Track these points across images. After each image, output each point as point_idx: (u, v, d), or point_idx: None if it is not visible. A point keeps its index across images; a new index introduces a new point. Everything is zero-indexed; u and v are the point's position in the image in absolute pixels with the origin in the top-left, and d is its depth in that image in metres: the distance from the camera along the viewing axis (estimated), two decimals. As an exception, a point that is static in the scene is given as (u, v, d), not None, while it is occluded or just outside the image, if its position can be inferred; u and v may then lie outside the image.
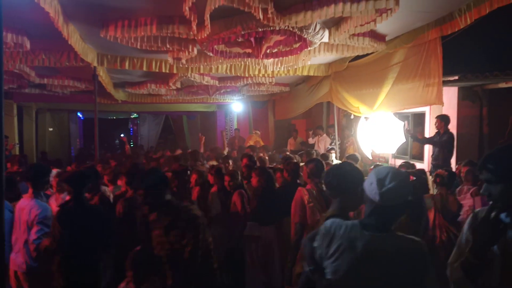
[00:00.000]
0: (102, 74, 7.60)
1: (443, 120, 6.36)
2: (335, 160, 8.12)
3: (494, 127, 6.70)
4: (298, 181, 4.91)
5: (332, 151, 8.79)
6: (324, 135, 10.75)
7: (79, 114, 16.52)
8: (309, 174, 3.99)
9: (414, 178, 4.53)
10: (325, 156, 7.43)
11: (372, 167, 5.96)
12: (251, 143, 11.08)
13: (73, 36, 5.10)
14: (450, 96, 6.87)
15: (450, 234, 4.17)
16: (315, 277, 2.12)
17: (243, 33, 4.79)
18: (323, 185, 3.49)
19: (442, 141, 6.26)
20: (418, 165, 7.20)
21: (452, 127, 6.55)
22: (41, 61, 6.29)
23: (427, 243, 4.04)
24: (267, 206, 4.61)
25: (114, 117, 19.27)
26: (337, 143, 9.48)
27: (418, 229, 3.99)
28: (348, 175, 2.60)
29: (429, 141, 6.63)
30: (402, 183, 1.90)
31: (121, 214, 4.06)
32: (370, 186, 1.94)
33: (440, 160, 6.31)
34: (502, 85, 6.16)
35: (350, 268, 1.91)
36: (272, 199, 4.64)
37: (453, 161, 6.49)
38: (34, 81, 8.23)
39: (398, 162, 7.83)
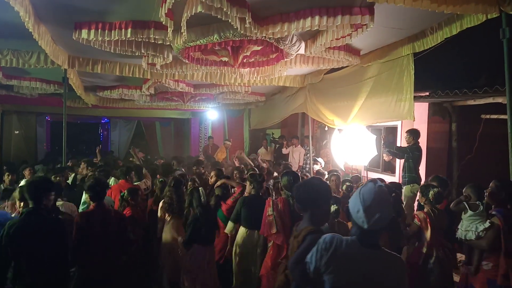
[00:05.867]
0: (73, 77, 7.39)
1: (412, 134, 6.51)
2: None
3: (462, 142, 6.90)
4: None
5: (318, 163, 8.85)
6: (299, 146, 10.79)
7: (47, 117, 16.01)
8: (282, 187, 3.98)
9: (394, 194, 4.61)
10: (321, 174, 7.48)
11: (352, 184, 6.01)
12: (220, 155, 11.12)
13: (44, 37, 4.94)
14: (421, 111, 7.04)
15: (445, 250, 4.22)
16: None
17: (220, 41, 4.77)
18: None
19: (408, 153, 6.43)
20: (390, 178, 7.33)
21: (422, 142, 6.71)
22: (9, 61, 6.06)
23: (422, 260, 4.12)
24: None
25: (84, 121, 18.76)
26: (311, 154, 9.55)
27: (399, 241, 4.09)
28: (317, 190, 2.60)
29: (399, 149, 6.77)
30: (387, 208, 2.02)
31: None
32: (356, 214, 2.02)
33: (406, 171, 6.46)
34: (471, 102, 6.36)
35: (351, 282, 2.02)
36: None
37: (422, 174, 6.64)
38: (0, 82, 7.91)
39: (370, 174, 7.95)
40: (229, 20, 3.94)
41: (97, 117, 16.86)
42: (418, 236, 4.29)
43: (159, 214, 5.15)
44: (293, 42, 5.05)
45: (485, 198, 3.98)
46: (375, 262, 2.02)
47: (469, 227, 3.98)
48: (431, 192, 4.31)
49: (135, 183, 6.15)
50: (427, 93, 6.14)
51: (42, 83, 8.32)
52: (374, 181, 2.10)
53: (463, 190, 4.30)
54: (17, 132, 14.15)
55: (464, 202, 4.12)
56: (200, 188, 4.64)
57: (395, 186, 5.12)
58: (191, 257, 4.41)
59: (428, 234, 4.18)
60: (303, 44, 5.34)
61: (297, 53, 5.56)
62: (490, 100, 5.79)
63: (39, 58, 6.08)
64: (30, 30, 4.24)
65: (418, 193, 4.59)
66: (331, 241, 2.06)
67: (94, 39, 4.79)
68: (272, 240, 3.83)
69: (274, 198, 4.58)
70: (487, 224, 3.82)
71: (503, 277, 3.65)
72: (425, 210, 4.33)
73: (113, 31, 4.64)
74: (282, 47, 5.12)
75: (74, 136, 17.50)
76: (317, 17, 4.11)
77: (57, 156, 12.55)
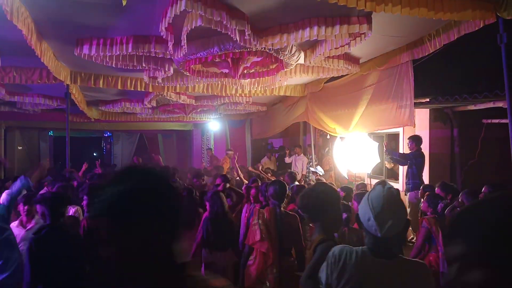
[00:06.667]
0: (75, 92, 7.45)
1: (414, 140, 6.52)
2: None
3: (464, 147, 6.90)
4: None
5: (316, 174, 8.80)
6: (302, 154, 10.77)
7: (50, 132, 16.09)
8: (270, 196, 3.94)
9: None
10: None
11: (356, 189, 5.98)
12: (225, 165, 11.06)
13: (46, 54, 5.01)
14: (422, 117, 7.06)
15: None
16: None
17: (220, 53, 4.82)
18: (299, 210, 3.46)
19: (411, 160, 6.43)
20: (394, 185, 7.30)
21: (425, 148, 6.71)
22: (12, 78, 6.12)
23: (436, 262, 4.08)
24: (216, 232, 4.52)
25: (87, 136, 18.83)
26: (314, 163, 9.54)
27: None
28: (323, 197, 2.49)
29: (402, 156, 6.77)
30: (400, 212, 1.87)
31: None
32: (368, 222, 1.86)
33: (410, 177, 6.45)
34: (471, 107, 6.37)
35: None
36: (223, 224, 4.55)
37: (426, 180, 6.62)
38: (4, 99, 7.99)
39: (374, 181, 7.92)
40: (229, 33, 4.00)
41: (99, 131, 16.91)
42: (429, 242, 4.25)
43: None
44: (292, 52, 5.10)
45: None
46: (390, 272, 1.84)
47: None
48: (441, 205, 4.28)
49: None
50: (427, 99, 6.16)
51: (45, 99, 8.40)
52: (382, 183, 1.94)
53: (459, 196, 4.31)
54: (20, 147, 14.22)
55: (458, 209, 4.12)
56: (220, 193, 4.68)
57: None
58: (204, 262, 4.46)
59: (440, 238, 4.14)
60: (302, 54, 5.39)
61: (296, 63, 5.60)
62: (490, 104, 5.80)
63: (41, 74, 6.15)
64: (32, 47, 4.30)
65: (423, 202, 4.57)
66: (340, 254, 1.92)
67: (96, 54, 4.85)
68: (257, 248, 3.78)
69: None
70: None
71: None
72: (431, 216, 4.30)
73: (114, 46, 4.70)
74: (281, 58, 5.17)
75: (77, 150, 17.54)
76: (315, 27, 4.16)
77: (59, 170, 12.57)
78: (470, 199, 4.12)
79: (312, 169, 9.30)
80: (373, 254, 1.88)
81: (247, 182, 6.65)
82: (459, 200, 4.26)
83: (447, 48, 5.12)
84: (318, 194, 2.53)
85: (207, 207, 4.76)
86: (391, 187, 1.92)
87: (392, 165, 8.11)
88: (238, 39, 4.10)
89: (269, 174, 8.60)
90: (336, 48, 4.98)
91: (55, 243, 3.22)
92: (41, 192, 4.87)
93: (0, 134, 11.97)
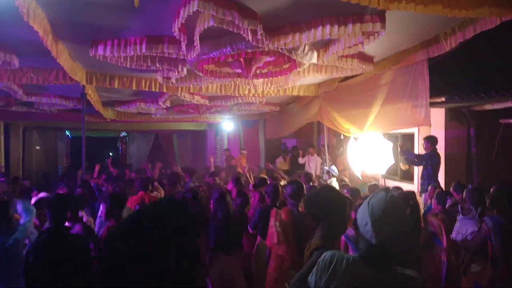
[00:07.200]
0: (91, 93, 7.56)
1: (429, 141, 6.43)
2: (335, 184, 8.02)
3: (481, 147, 6.76)
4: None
5: (330, 175, 8.71)
6: (315, 155, 10.70)
7: (67, 132, 16.36)
8: (288, 196, 3.93)
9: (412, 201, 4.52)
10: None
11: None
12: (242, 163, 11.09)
13: (62, 55, 5.08)
14: (438, 117, 6.94)
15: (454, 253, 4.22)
16: None
17: (232, 53, 4.82)
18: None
19: (427, 160, 6.35)
20: (409, 186, 7.21)
21: (440, 148, 6.60)
22: (29, 79, 6.24)
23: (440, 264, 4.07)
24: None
25: (103, 136, 19.08)
26: (328, 163, 9.47)
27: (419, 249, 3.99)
28: (328, 201, 2.43)
29: (417, 156, 6.68)
30: (400, 222, 1.80)
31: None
32: (364, 227, 1.80)
33: (425, 178, 6.37)
34: (488, 106, 6.24)
35: None
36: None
37: (441, 181, 6.52)
38: (21, 99, 8.16)
39: (388, 182, 7.84)
40: (241, 33, 4.00)
41: (115, 131, 17.13)
42: (431, 243, 4.21)
43: None
44: (305, 52, 5.07)
45: (487, 203, 3.96)
46: (379, 284, 1.77)
47: (460, 229, 3.99)
48: (449, 201, 4.25)
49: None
50: (443, 99, 6.06)
51: (61, 99, 8.55)
52: (386, 190, 1.86)
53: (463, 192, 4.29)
54: (38, 147, 14.49)
55: (459, 206, 4.11)
56: (227, 195, 4.68)
57: (412, 195, 5.06)
58: (214, 267, 4.45)
59: (444, 240, 4.11)
60: (315, 53, 5.36)
61: (309, 62, 5.57)
62: (508, 104, 5.68)
63: (58, 75, 6.25)
64: (48, 48, 4.38)
65: (434, 199, 4.53)
66: (331, 260, 1.87)
67: (110, 55, 4.91)
68: (274, 250, 3.78)
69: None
70: (475, 228, 3.83)
71: (489, 282, 3.71)
72: (439, 216, 4.26)
73: (128, 46, 4.75)
74: (294, 57, 5.14)
75: (94, 150, 17.78)
76: (328, 26, 4.13)
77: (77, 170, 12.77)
78: (472, 196, 4.10)
79: (326, 168, 9.23)
80: (365, 263, 1.81)
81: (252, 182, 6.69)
82: (462, 197, 4.23)
83: (463, 46, 5.03)
84: (322, 198, 2.49)
85: (211, 208, 4.77)
86: (395, 195, 1.85)
87: (407, 167, 8.00)
88: (250, 38, 4.10)
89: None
90: (349, 47, 4.92)
91: (55, 248, 3.17)
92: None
93: (18, 134, 12.22)
